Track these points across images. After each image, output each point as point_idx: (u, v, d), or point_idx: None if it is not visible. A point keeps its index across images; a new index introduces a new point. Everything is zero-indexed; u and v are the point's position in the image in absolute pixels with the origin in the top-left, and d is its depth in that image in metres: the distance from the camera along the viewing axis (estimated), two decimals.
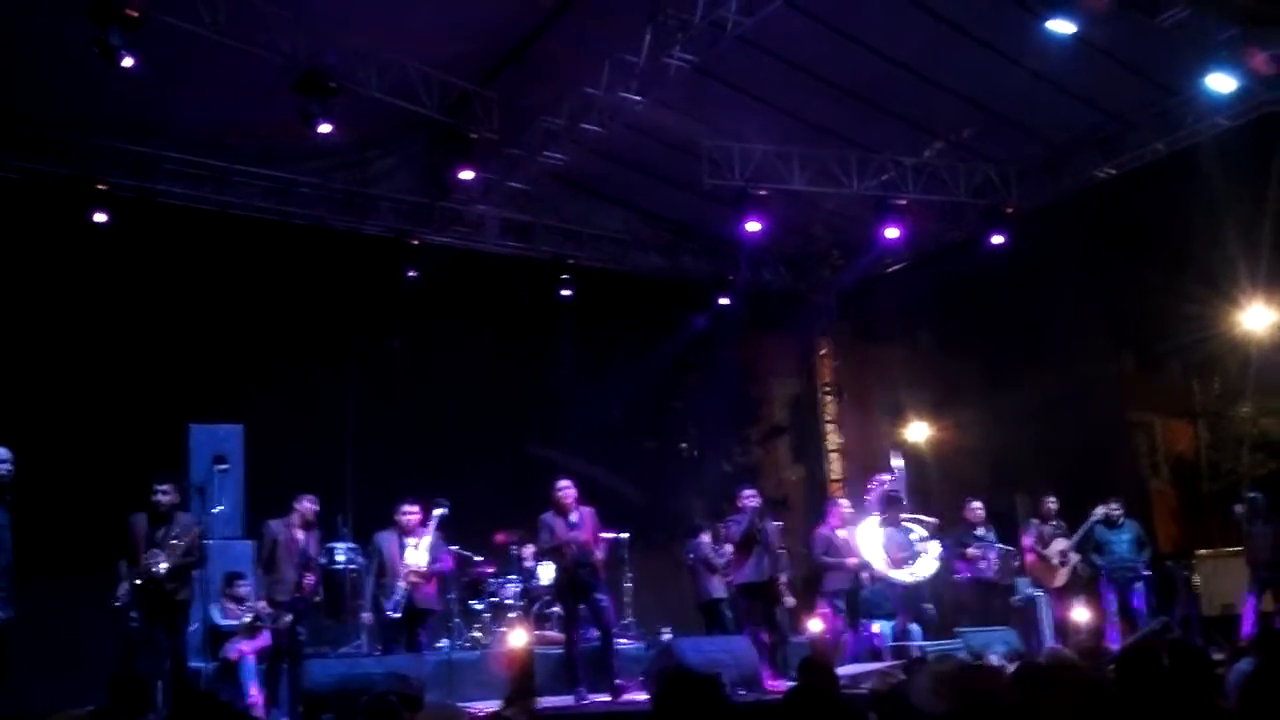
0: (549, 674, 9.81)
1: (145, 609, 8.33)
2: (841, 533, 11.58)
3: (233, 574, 10.04)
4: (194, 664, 9.50)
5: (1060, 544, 12.09)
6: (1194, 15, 10.13)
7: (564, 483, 9.66)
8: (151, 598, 8.33)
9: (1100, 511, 12.07)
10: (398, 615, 9.44)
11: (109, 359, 11.50)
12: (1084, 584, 12.14)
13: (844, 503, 12.13)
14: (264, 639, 9.47)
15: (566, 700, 9.21)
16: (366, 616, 9.85)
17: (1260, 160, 12.50)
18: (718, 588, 11.04)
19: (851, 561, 11.40)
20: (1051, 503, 12.33)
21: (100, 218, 11.33)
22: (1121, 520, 12.08)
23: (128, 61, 8.94)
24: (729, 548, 10.76)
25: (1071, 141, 13.05)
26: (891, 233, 13.21)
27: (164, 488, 8.60)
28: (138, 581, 8.29)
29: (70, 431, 10.84)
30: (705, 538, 11.34)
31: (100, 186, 11.42)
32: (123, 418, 11.19)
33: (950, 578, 12.22)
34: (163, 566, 8.33)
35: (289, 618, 9.03)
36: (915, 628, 11.64)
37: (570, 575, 9.55)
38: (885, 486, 12.06)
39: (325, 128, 10.25)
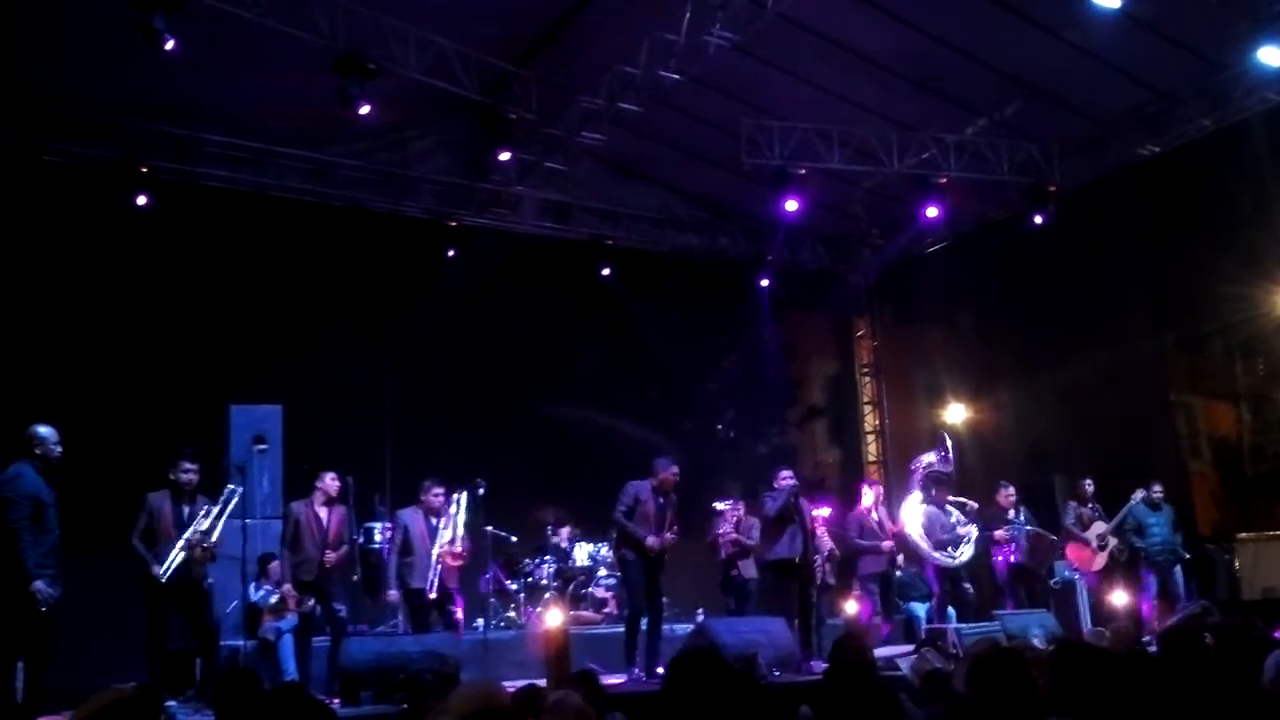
0: (587, 653, 9.85)
1: (169, 593, 8.39)
2: (875, 515, 11.54)
3: (266, 555, 10.12)
4: (233, 642, 9.62)
5: (1099, 526, 12.02)
6: None
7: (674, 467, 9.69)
8: (182, 573, 8.40)
9: (1140, 494, 11.99)
10: (434, 595, 9.53)
11: (150, 340, 11.61)
12: (1122, 567, 12.05)
13: (877, 485, 12.08)
14: (291, 617, 9.56)
15: (616, 678, 9.25)
16: (393, 595, 9.90)
17: None
18: (751, 568, 10.99)
19: (886, 545, 11.37)
20: (1089, 485, 12.25)
21: (141, 200, 11.42)
22: (1162, 503, 12.04)
23: (170, 45, 9.00)
24: (755, 529, 10.75)
25: (1116, 118, 12.85)
26: (932, 212, 13.11)
27: (193, 465, 8.66)
28: (181, 554, 8.37)
29: (113, 412, 10.95)
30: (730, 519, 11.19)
31: (142, 170, 11.50)
32: (164, 398, 11.30)
33: (987, 561, 12.17)
34: (209, 539, 8.45)
35: (311, 603, 9.12)
36: (951, 610, 11.60)
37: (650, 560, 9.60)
38: (935, 466, 11.95)
39: (364, 109, 10.28)
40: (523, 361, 13.68)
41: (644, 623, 9.62)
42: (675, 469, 9.71)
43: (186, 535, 8.43)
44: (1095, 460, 13.34)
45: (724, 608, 11.26)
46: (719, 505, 11.35)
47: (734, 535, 10.99)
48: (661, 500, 9.63)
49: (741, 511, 11.08)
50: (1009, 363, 16.00)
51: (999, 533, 11.89)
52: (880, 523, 11.52)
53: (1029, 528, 12.03)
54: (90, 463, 9.00)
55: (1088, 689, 3.97)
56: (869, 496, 11.82)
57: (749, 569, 10.97)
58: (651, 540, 9.46)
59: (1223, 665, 4.26)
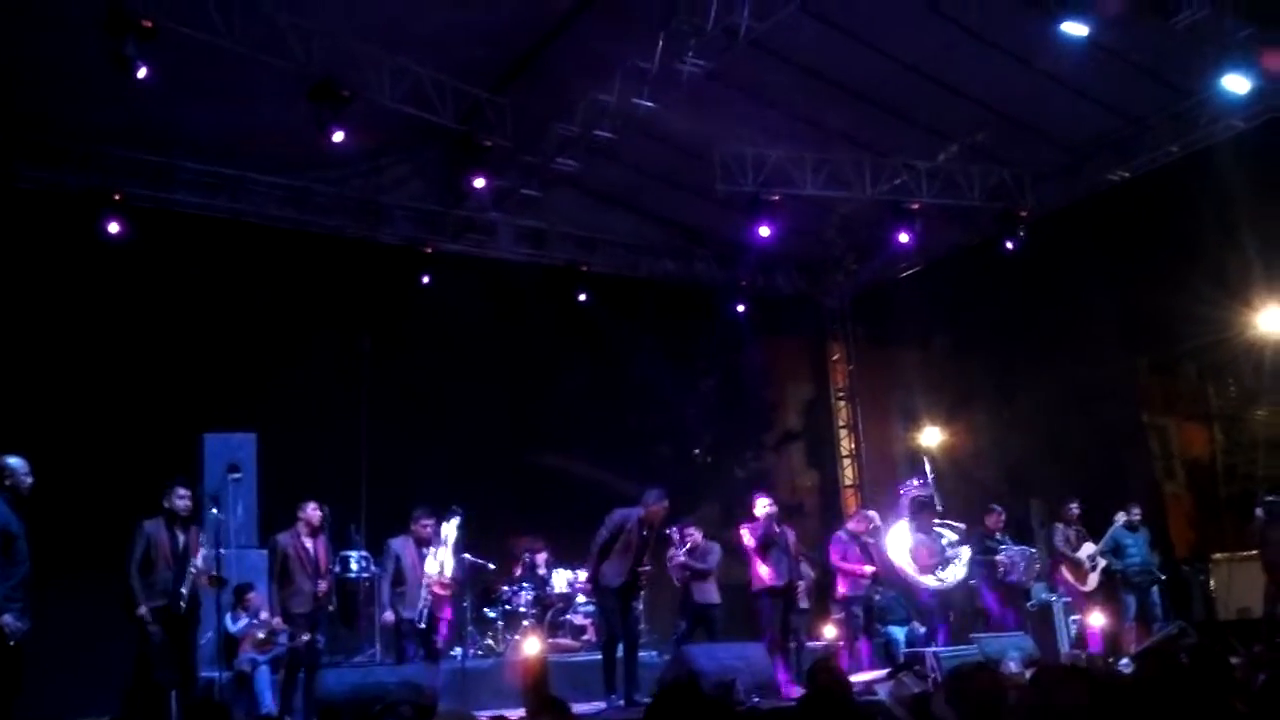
0: (565, 681, 9.80)
1: (167, 620, 8.32)
2: (864, 540, 11.54)
3: (243, 586, 9.99)
4: (208, 673, 9.51)
5: (1089, 548, 12.12)
6: (1209, 16, 10.08)
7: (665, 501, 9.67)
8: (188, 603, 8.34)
9: (1123, 517, 12.09)
10: (423, 626, 9.46)
11: (124, 368, 11.51)
12: (1103, 589, 12.13)
13: (872, 513, 12.07)
14: (277, 649, 9.46)
15: (596, 706, 9.20)
16: (388, 616, 9.79)
17: (1276, 162, 12.41)
18: (711, 593, 10.77)
19: (868, 569, 11.36)
20: (1074, 508, 12.33)
21: (115, 227, 11.36)
22: (1139, 525, 12.15)
23: (142, 73, 8.98)
24: (714, 554, 10.62)
25: (1086, 144, 13.02)
26: (904, 238, 13.19)
27: (186, 491, 8.59)
28: (182, 590, 8.29)
29: (85, 441, 10.84)
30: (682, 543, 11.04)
31: (116, 196, 11.45)
32: (137, 427, 11.20)
33: (968, 585, 12.19)
34: (213, 570, 8.42)
35: (305, 637, 9.03)
36: (922, 632, 11.63)
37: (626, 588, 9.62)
38: (915, 491, 12.05)
39: (338, 136, 10.26)
40: (499, 388, 13.65)
41: (621, 649, 9.57)
42: (666, 504, 9.68)
43: (193, 564, 8.36)
44: (1070, 482, 13.42)
45: (677, 630, 11.03)
46: (670, 531, 11.21)
47: (681, 559, 10.82)
48: (645, 533, 9.61)
49: (698, 536, 10.85)
50: (983, 386, 16.09)
51: (1000, 556, 11.95)
52: (868, 547, 11.52)
53: (1020, 547, 12.12)
54: (63, 493, 8.90)
55: (1065, 711, 3.97)
56: (865, 523, 11.75)
57: (706, 593, 10.62)
58: (616, 582, 9.47)
59: (1199, 688, 4.28)
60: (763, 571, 10.63)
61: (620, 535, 9.52)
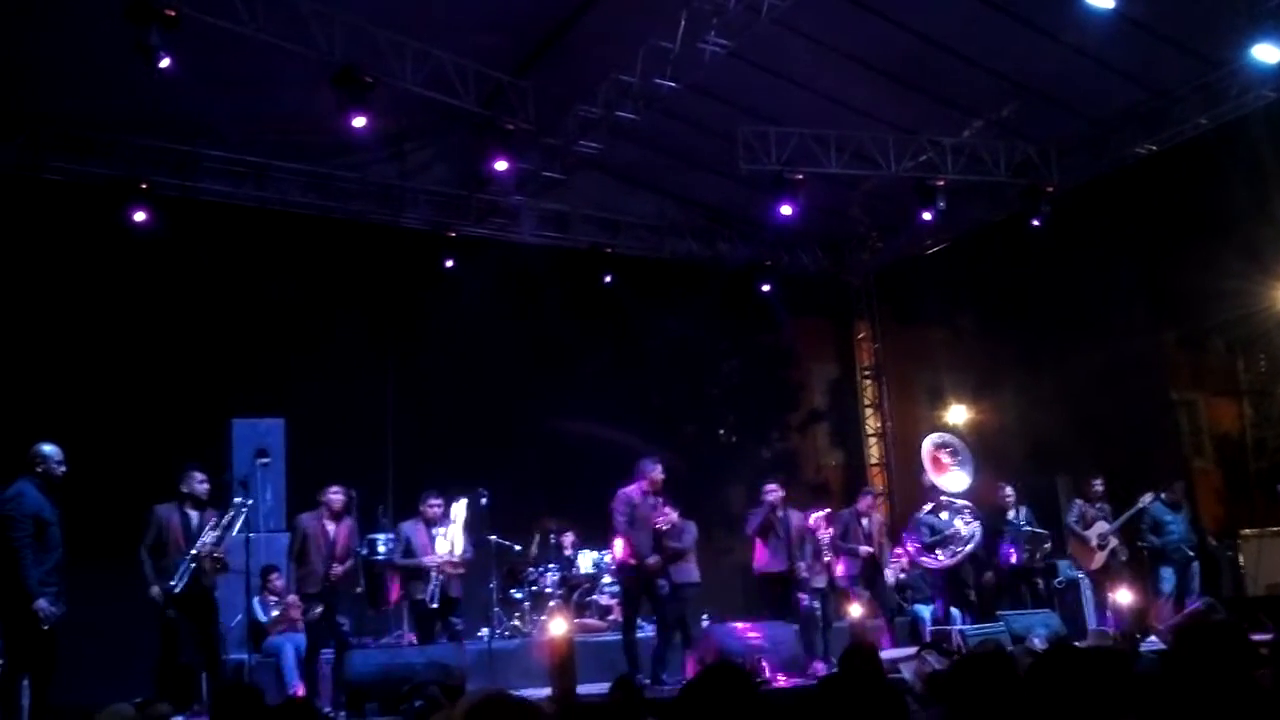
0: (592, 661, 9.86)
1: (180, 602, 8.41)
2: (865, 521, 11.58)
3: (268, 567, 10.15)
4: (237, 656, 9.63)
5: (1101, 526, 12.03)
6: None
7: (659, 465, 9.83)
8: (194, 584, 8.43)
9: (1149, 496, 12.02)
10: (435, 605, 9.56)
11: (153, 355, 11.63)
12: (1124, 567, 12.06)
13: (873, 492, 12.14)
14: (297, 627, 9.59)
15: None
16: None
17: None
18: (691, 572, 10.28)
19: (864, 550, 11.40)
20: (1098, 485, 12.26)
21: (141, 216, 11.46)
22: (1181, 502, 12.12)
23: (165, 62, 9.03)
24: (690, 533, 10.27)
25: (1113, 117, 12.86)
26: (929, 214, 13.11)
27: (203, 476, 8.73)
28: (192, 566, 8.40)
29: (115, 427, 10.97)
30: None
31: (142, 186, 11.54)
32: (166, 412, 11.32)
33: (993, 561, 12.19)
34: (218, 550, 8.52)
35: (319, 609, 9.13)
36: (955, 612, 11.64)
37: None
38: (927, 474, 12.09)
39: (360, 121, 10.29)
40: (523, 370, 13.69)
41: (648, 629, 9.65)
42: (660, 466, 9.81)
43: (195, 547, 8.45)
44: (1098, 459, 13.35)
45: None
46: None
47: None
48: (654, 501, 9.72)
49: (674, 516, 10.59)
50: (1010, 363, 16.03)
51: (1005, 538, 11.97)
52: (869, 531, 11.53)
53: (1026, 528, 12.06)
54: (94, 478, 9.01)
55: (1065, 694, 3.96)
56: (863, 502, 11.84)
57: (686, 573, 10.13)
58: (652, 560, 9.58)
59: (1224, 665, 4.26)
60: (762, 556, 10.80)
61: (634, 513, 9.59)
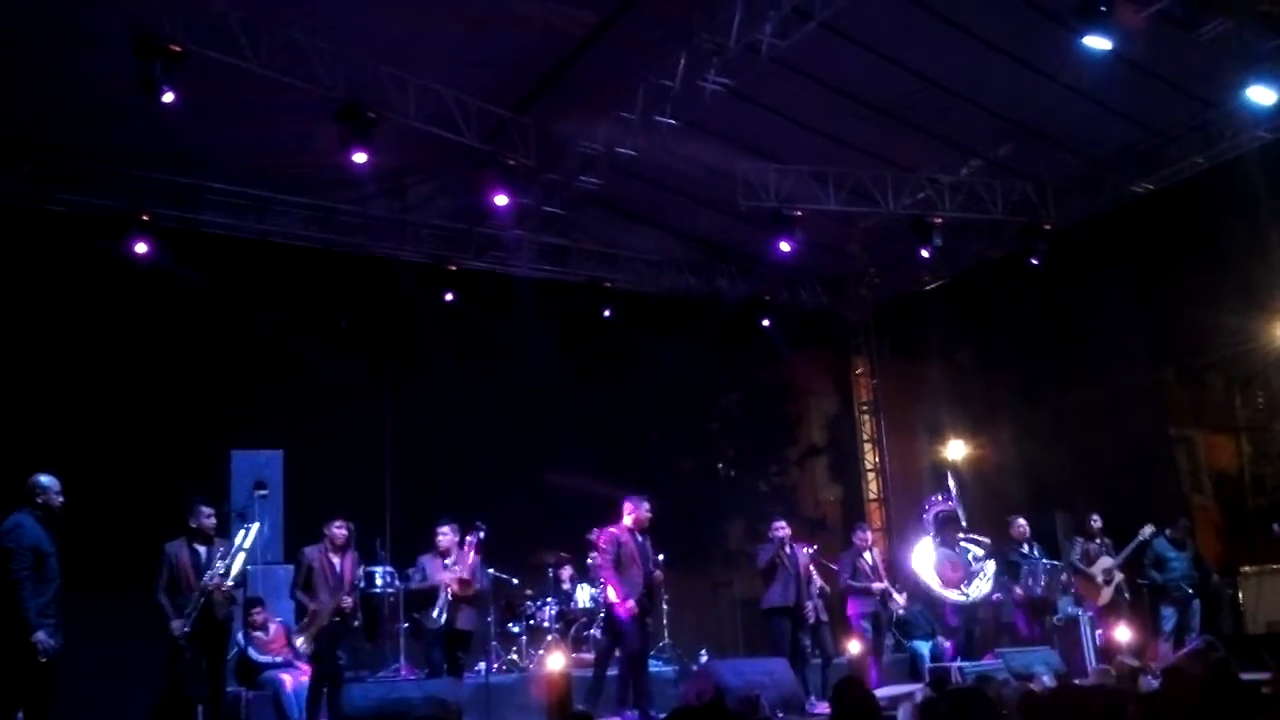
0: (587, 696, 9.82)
1: (195, 636, 8.40)
2: (868, 556, 11.60)
3: (251, 600, 10.09)
4: (233, 689, 9.59)
5: (1106, 562, 12.05)
6: (1234, 28, 10.06)
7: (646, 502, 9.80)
8: (207, 617, 8.41)
9: (1149, 530, 12.05)
10: (440, 626, 9.59)
11: (153, 387, 11.66)
12: (1128, 603, 12.07)
13: (866, 529, 12.17)
14: (296, 662, 9.57)
15: None
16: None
17: None
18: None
19: (876, 586, 11.43)
20: (1096, 521, 12.28)
21: (143, 248, 11.52)
22: (1185, 539, 12.14)
23: (169, 97, 9.13)
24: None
25: (1110, 157, 12.97)
26: (927, 252, 13.19)
27: (209, 509, 8.71)
28: (202, 600, 8.38)
29: (115, 459, 10.99)
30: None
31: (144, 218, 11.61)
32: (166, 444, 11.34)
33: (992, 598, 12.18)
34: (227, 581, 8.48)
35: (310, 647, 9.14)
36: (948, 646, 11.65)
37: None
38: (940, 507, 12.11)
39: (361, 157, 10.37)
40: (523, 404, 13.71)
41: (622, 663, 9.57)
42: (647, 504, 9.77)
43: (204, 580, 8.44)
44: (1096, 495, 13.36)
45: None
46: (591, 535, 11.11)
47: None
48: (640, 539, 9.68)
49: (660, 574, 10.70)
50: (1008, 399, 16.06)
51: (1024, 567, 11.96)
52: (874, 565, 11.57)
53: (1045, 561, 12.09)
54: (92, 509, 9.01)
55: None
56: (863, 539, 11.87)
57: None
58: (630, 606, 9.36)
59: (1216, 704, 4.27)
60: (771, 592, 10.79)
61: (620, 552, 9.54)
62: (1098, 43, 9.79)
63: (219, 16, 9.39)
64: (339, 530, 9.34)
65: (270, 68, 9.66)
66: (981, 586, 11.81)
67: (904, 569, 12.35)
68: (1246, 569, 13.37)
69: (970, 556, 11.83)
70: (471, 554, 10.05)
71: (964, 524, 12.09)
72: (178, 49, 9.03)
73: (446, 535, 10.02)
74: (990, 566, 11.81)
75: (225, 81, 9.76)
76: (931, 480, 15.36)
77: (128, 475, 10.93)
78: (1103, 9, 9.43)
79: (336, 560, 9.29)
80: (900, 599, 11.84)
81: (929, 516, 12.16)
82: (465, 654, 9.89)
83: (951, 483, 12.41)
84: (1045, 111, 12.05)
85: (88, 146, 11.34)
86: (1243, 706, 4.22)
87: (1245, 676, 4.99)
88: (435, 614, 9.72)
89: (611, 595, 9.51)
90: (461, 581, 9.82)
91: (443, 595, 9.79)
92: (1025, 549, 12.18)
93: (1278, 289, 13.91)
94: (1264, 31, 10.30)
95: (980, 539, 12.01)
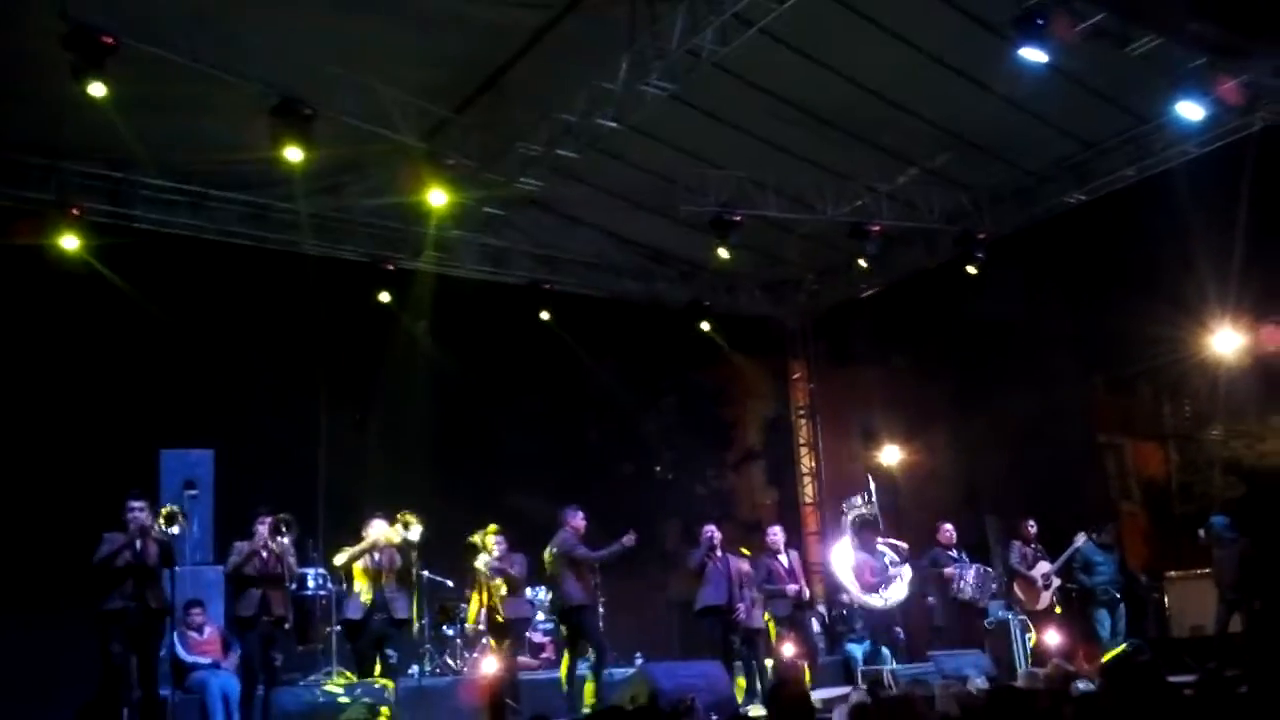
0: (525, 699, 9.79)
1: (130, 629, 8.25)
2: (782, 558, 11.66)
3: (190, 602, 9.95)
4: (164, 692, 9.42)
5: (1043, 566, 12.24)
6: (1164, 45, 10.28)
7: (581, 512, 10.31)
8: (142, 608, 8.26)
9: (1082, 537, 12.24)
10: (358, 616, 9.66)
11: (81, 384, 11.40)
12: (1060, 607, 12.25)
13: (777, 530, 12.19)
14: (229, 667, 9.44)
15: None
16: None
17: (1228, 186, 12.64)
18: (513, 606, 10.80)
19: (791, 589, 11.49)
20: (1031, 526, 12.47)
21: (72, 243, 11.27)
22: (1112, 544, 12.35)
23: (101, 90, 8.95)
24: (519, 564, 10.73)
25: (1044, 167, 13.21)
26: (864, 259, 13.31)
27: (139, 504, 8.63)
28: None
29: (42, 457, 10.74)
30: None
31: (74, 212, 11.36)
32: (94, 443, 11.09)
33: (923, 601, 12.31)
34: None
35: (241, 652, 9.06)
36: (886, 651, 11.73)
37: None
38: (858, 510, 12.19)
39: (296, 155, 10.24)
40: (458, 404, 13.61)
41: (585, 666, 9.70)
42: (582, 514, 10.36)
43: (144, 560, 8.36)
44: (1027, 501, 13.55)
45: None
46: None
47: (496, 566, 10.75)
48: (581, 549, 10.21)
49: (503, 545, 10.80)
50: (943, 405, 16.22)
51: (948, 569, 12.05)
52: (790, 568, 11.62)
53: (975, 565, 12.23)
54: (17, 510, 8.82)
55: None
56: (775, 541, 11.88)
57: (513, 608, 10.73)
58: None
59: (1145, 707, 4.36)
60: (703, 593, 10.89)
61: (569, 556, 9.87)
62: (1034, 55, 9.94)
63: (153, 8, 9.21)
64: (260, 526, 9.34)
65: (205, 62, 9.49)
66: (898, 591, 11.93)
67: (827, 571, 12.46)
68: (1172, 574, 13.65)
69: (887, 560, 11.95)
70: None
71: (881, 528, 12.22)
72: (110, 41, 8.85)
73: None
74: (907, 571, 11.93)
75: (159, 75, 9.57)
76: (866, 484, 15.49)
77: (55, 474, 10.67)
78: (1039, 22, 9.59)
79: (266, 555, 9.29)
80: (818, 600, 11.96)
81: (846, 519, 12.28)
82: (393, 652, 9.81)
83: (872, 486, 12.53)
84: (982, 122, 12.23)
85: (16, 139, 11.08)
86: (1170, 708, 4.31)
87: (1170, 679, 5.09)
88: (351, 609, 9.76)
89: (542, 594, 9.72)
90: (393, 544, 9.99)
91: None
92: (953, 553, 12.33)
93: (1205, 301, 14.20)
94: (1192, 49, 10.55)
95: (898, 544, 12.13)
